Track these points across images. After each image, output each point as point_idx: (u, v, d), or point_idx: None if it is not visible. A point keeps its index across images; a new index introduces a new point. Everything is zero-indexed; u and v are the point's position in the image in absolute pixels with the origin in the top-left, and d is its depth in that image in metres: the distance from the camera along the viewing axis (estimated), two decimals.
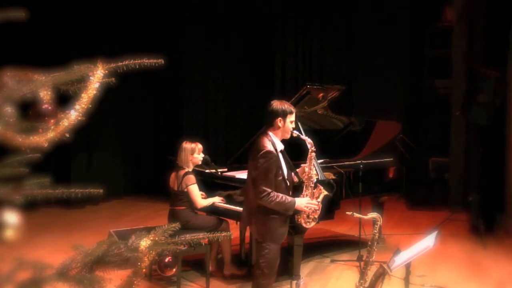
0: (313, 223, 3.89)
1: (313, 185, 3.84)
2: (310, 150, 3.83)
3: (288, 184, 3.75)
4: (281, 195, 3.60)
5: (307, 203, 3.76)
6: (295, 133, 3.77)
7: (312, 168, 3.84)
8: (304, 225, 3.87)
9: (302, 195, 3.81)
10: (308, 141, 3.84)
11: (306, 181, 3.83)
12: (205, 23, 9.07)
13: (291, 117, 3.69)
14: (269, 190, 3.56)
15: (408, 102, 9.81)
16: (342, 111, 6.01)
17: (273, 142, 3.64)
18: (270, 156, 3.57)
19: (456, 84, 8.09)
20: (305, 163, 3.87)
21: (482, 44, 7.46)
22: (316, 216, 3.87)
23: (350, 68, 9.66)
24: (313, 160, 3.85)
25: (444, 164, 9.17)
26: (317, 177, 3.97)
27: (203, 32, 9.08)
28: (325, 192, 3.87)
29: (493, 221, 6.68)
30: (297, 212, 3.79)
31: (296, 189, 3.94)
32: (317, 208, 3.83)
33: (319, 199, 3.85)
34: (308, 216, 3.84)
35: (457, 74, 8.11)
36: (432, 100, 9.84)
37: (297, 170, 3.98)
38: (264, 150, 3.58)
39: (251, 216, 3.75)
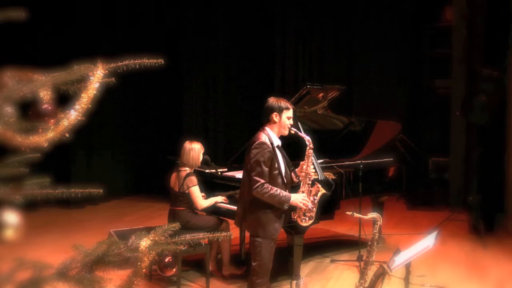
0: (310, 222, 3.88)
1: (310, 182, 3.81)
2: (308, 147, 3.80)
3: (286, 181, 3.72)
4: (275, 188, 3.58)
5: (303, 199, 3.74)
6: (293, 129, 3.77)
7: (310, 165, 3.82)
8: (300, 223, 3.86)
9: (298, 191, 3.79)
10: (306, 138, 3.81)
11: (303, 178, 3.81)
12: (205, 22, 9.07)
13: (288, 113, 3.70)
14: (263, 181, 3.54)
15: (408, 102, 9.79)
16: (342, 111, 6.01)
17: (269, 136, 3.66)
18: (264, 147, 3.58)
19: (456, 84, 8.08)
20: (304, 160, 3.85)
21: (482, 44, 7.46)
22: (313, 215, 3.85)
23: (350, 68, 9.65)
24: (311, 157, 3.84)
25: (444, 164, 9.17)
26: (316, 176, 3.96)
27: (203, 32, 9.08)
28: (323, 191, 3.87)
29: (493, 221, 6.68)
30: (293, 208, 3.78)
31: (295, 189, 3.90)
32: (312, 207, 3.81)
33: (316, 197, 3.84)
34: (304, 214, 3.82)
35: (457, 74, 8.11)
36: (432, 100, 9.82)
37: (296, 169, 3.94)
38: (258, 141, 3.61)
39: (246, 211, 3.73)
